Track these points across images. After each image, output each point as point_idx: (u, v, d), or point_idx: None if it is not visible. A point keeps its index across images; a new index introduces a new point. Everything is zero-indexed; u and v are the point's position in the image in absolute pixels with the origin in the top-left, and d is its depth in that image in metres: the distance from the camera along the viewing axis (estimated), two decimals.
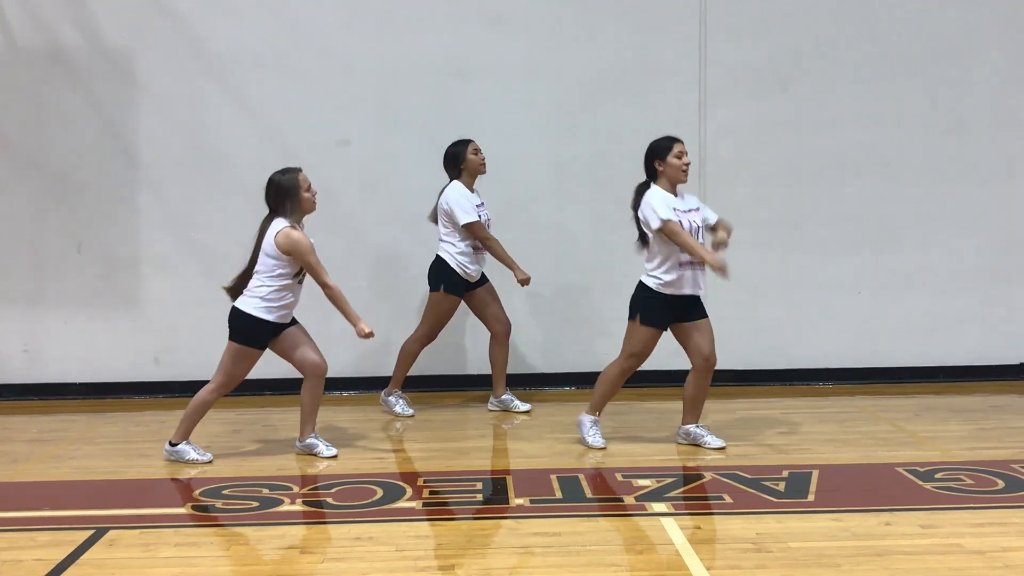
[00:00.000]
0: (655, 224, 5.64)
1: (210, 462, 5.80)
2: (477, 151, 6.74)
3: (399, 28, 7.56)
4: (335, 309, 5.70)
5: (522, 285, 6.78)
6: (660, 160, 5.76)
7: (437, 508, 5.06)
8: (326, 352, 5.94)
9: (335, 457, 5.89)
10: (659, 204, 5.66)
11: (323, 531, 4.78)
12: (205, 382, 5.84)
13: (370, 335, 5.66)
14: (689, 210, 5.78)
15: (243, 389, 7.14)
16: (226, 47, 7.51)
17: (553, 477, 5.46)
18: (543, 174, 7.66)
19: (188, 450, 5.80)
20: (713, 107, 7.65)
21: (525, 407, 7.00)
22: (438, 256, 6.76)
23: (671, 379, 6.86)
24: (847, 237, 7.78)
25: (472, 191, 6.74)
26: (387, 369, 7.35)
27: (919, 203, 7.78)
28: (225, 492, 5.28)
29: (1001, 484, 5.26)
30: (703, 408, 6.07)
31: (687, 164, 5.78)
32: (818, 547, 4.38)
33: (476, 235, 6.65)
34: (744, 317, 7.72)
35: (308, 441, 5.94)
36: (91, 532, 4.66)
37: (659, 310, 5.79)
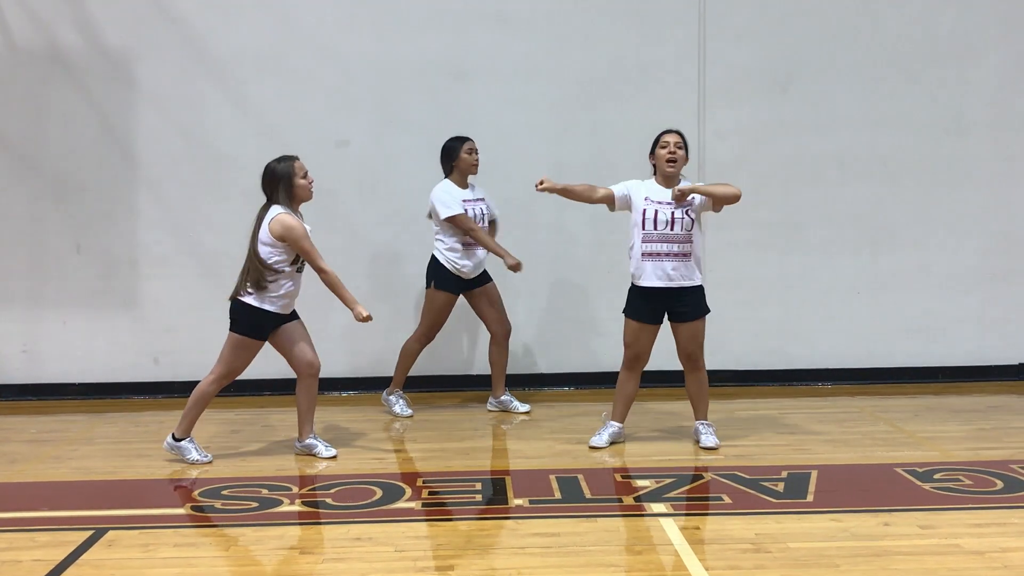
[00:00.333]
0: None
1: (210, 462, 5.80)
2: (472, 151, 6.74)
3: (399, 28, 7.56)
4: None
5: (513, 271, 6.73)
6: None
7: (436, 508, 5.06)
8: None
9: (334, 457, 5.89)
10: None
11: (322, 531, 4.78)
12: None
13: (368, 319, 5.63)
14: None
15: (242, 389, 7.20)
16: (226, 47, 7.52)
17: (552, 477, 5.46)
18: (543, 174, 7.60)
19: (191, 449, 5.80)
20: (712, 107, 7.66)
21: (524, 408, 7.00)
22: (432, 254, 6.79)
23: (670, 379, 6.86)
24: (846, 237, 7.78)
25: (466, 187, 6.76)
26: (387, 369, 7.35)
27: (918, 203, 7.79)
28: (224, 492, 5.28)
29: (1000, 484, 5.26)
30: (706, 406, 6.10)
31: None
32: (817, 547, 4.38)
33: (460, 227, 6.65)
34: (743, 317, 7.73)
35: (307, 441, 5.94)
36: (90, 532, 4.66)
37: (635, 301, 5.89)
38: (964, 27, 7.70)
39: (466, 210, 6.67)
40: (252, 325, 5.66)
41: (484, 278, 6.88)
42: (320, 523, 4.90)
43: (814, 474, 5.45)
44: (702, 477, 5.48)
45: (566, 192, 5.88)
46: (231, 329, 5.70)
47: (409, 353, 6.94)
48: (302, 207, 5.80)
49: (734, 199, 5.80)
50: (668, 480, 5.39)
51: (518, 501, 5.11)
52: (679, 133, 5.89)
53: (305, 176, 5.70)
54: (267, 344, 5.83)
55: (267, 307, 5.64)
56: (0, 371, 7.62)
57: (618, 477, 5.54)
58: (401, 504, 5.08)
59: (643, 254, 5.79)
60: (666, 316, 5.92)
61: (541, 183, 5.75)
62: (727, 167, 7.52)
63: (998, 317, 7.87)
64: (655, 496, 5.13)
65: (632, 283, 5.90)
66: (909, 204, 7.78)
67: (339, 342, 7.54)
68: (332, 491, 5.30)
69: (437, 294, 6.78)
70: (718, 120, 7.66)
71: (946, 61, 7.72)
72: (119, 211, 7.57)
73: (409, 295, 7.58)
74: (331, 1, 7.56)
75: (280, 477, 5.55)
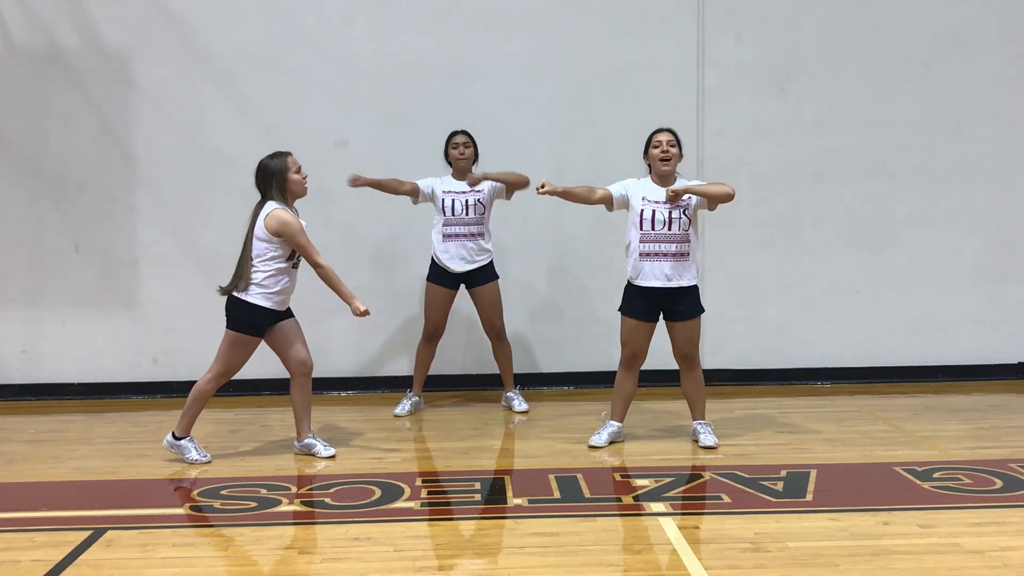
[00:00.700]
0: None
1: (209, 462, 5.80)
2: (455, 145, 6.78)
3: (399, 28, 7.56)
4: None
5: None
6: None
7: (435, 508, 5.06)
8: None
9: (333, 457, 5.89)
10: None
11: (321, 531, 4.77)
12: None
13: (365, 313, 5.60)
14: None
15: (240, 389, 7.20)
16: (225, 47, 7.51)
17: (551, 477, 5.46)
18: (542, 174, 7.54)
19: (190, 448, 5.80)
20: (711, 107, 7.65)
21: (520, 408, 6.99)
22: None
23: (669, 378, 6.86)
24: (845, 237, 7.78)
25: (461, 180, 6.79)
26: (386, 369, 7.36)
27: (917, 203, 7.79)
28: (223, 492, 5.28)
29: (999, 483, 5.26)
30: (704, 405, 6.11)
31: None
32: (816, 547, 4.37)
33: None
34: (743, 317, 7.73)
35: (306, 441, 5.93)
36: (89, 532, 4.65)
37: (631, 299, 5.90)
38: (964, 27, 7.69)
39: (443, 200, 6.72)
40: (248, 322, 5.65)
41: (483, 277, 6.86)
42: (319, 523, 4.89)
43: (813, 473, 5.44)
44: (701, 476, 5.47)
45: (566, 194, 5.89)
46: (228, 326, 5.69)
47: (417, 354, 6.97)
48: (299, 204, 5.80)
49: (728, 198, 5.80)
50: (667, 479, 5.38)
51: (517, 500, 5.11)
52: (671, 131, 5.90)
53: (299, 171, 5.69)
54: (264, 344, 5.83)
55: (263, 303, 5.63)
56: None
57: (617, 476, 5.54)
58: (400, 504, 5.07)
59: (641, 254, 5.79)
60: (661, 316, 5.93)
61: (542, 186, 5.76)
62: (726, 166, 7.52)
63: (998, 317, 7.87)
64: (654, 495, 5.13)
65: (629, 282, 5.91)
66: (908, 203, 7.78)
67: (338, 342, 7.54)
68: (331, 491, 5.30)
69: (427, 287, 6.86)
70: (717, 119, 7.66)
71: (945, 61, 7.72)
72: (118, 211, 7.57)
73: (409, 295, 7.57)
74: (331, 1, 7.56)
75: (279, 477, 5.54)
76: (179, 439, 5.81)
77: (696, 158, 7.49)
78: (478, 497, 5.24)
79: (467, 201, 6.73)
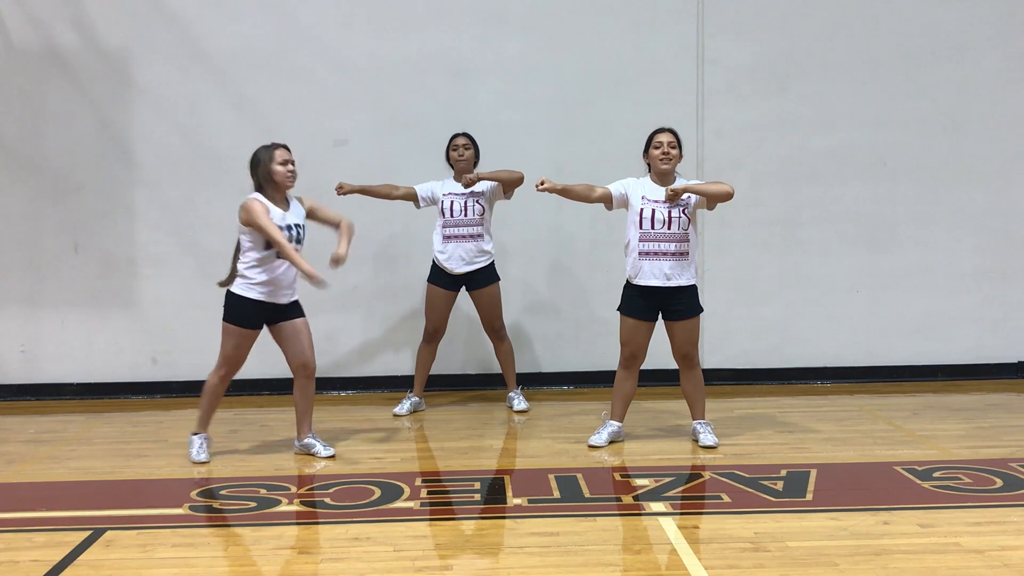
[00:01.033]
0: None
1: (206, 463, 5.79)
2: (455, 147, 6.79)
3: (398, 27, 7.56)
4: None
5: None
6: None
7: (435, 508, 5.06)
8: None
9: (333, 457, 5.89)
10: None
11: (321, 531, 4.77)
12: (203, 383, 5.85)
13: (322, 282, 5.33)
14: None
15: (240, 389, 7.19)
16: (225, 47, 7.51)
17: (551, 477, 5.46)
18: (542, 173, 7.56)
19: (193, 444, 5.84)
20: (710, 106, 7.65)
21: (520, 407, 6.99)
22: None
23: (669, 378, 6.85)
24: (845, 236, 7.78)
25: (458, 181, 6.79)
26: (386, 369, 7.35)
27: (917, 202, 7.79)
28: (223, 492, 5.28)
29: (999, 483, 5.26)
30: (703, 405, 6.11)
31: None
32: (816, 546, 4.37)
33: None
34: (742, 316, 7.73)
35: (306, 441, 5.93)
36: (88, 533, 4.65)
37: (630, 298, 5.90)
38: (963, 26, 7.70)
39: (443, 202, 6.72)
40: (235, 313, 5.64)
41: (484, 279, 6.85)
42: (318, 523, 4.89)
43: (813, 473, 5.44)
44: (701, 476, 5.47)
45: (565, 192, 5.89)
46: (222, 318, 5.70)
47: (417, 356, 6.96)
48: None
49: (727, 197, 5.79)
50: (667, 479, 5.38)
51: (517, 500, 5.11)
52: (672, 131, 5.89)
53: (285, 163, 5.63)
54: (265, 344, 5.82)
55: (248, 294, 5.62)
56: None
57: (617, 476, 5.53)
58: (400, 504, 5.07)
59: (640, 253, 5.79)
60: (660, 316, 5.93)
61: (541, 183, 5.76)
62: (726, 166, 7.52)
63: (997, 316, 7.87)
64: (654, 495, 5.12)
65: (628, 281, 5.90)
66: (907, 203, 7.78)
67: (338, 342, 7.54)
68: (330, 491, 5.30)
69: (428, 288, 6.86)
70: (717, 118, 7.66)
71: (944, 60, 7.72)
72: (117, 211, 7.57)
73: (409, 295, 7.57)
74: (331, 1, 7.55)
75: (278, 477, 5.54)
76: (194, 435, 5.87)
77: (695, 158, 7.50)
78: (478, 497, 5.23)
79: (466, 202, 6.73)
